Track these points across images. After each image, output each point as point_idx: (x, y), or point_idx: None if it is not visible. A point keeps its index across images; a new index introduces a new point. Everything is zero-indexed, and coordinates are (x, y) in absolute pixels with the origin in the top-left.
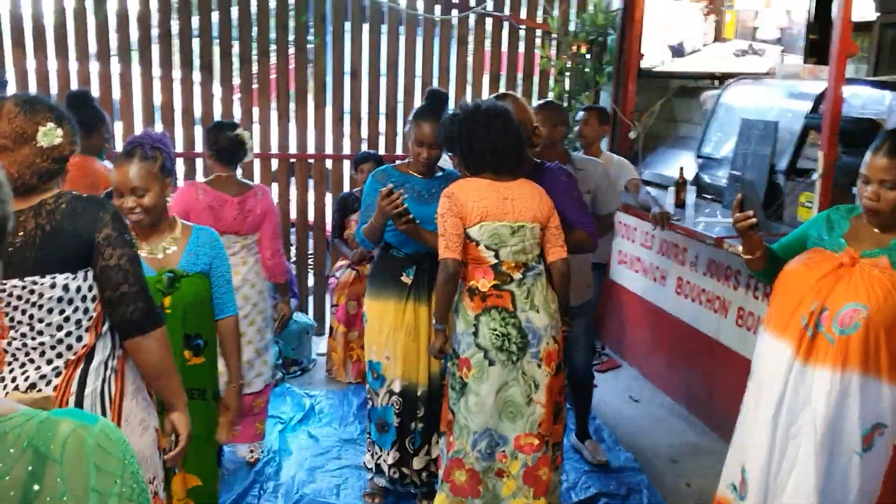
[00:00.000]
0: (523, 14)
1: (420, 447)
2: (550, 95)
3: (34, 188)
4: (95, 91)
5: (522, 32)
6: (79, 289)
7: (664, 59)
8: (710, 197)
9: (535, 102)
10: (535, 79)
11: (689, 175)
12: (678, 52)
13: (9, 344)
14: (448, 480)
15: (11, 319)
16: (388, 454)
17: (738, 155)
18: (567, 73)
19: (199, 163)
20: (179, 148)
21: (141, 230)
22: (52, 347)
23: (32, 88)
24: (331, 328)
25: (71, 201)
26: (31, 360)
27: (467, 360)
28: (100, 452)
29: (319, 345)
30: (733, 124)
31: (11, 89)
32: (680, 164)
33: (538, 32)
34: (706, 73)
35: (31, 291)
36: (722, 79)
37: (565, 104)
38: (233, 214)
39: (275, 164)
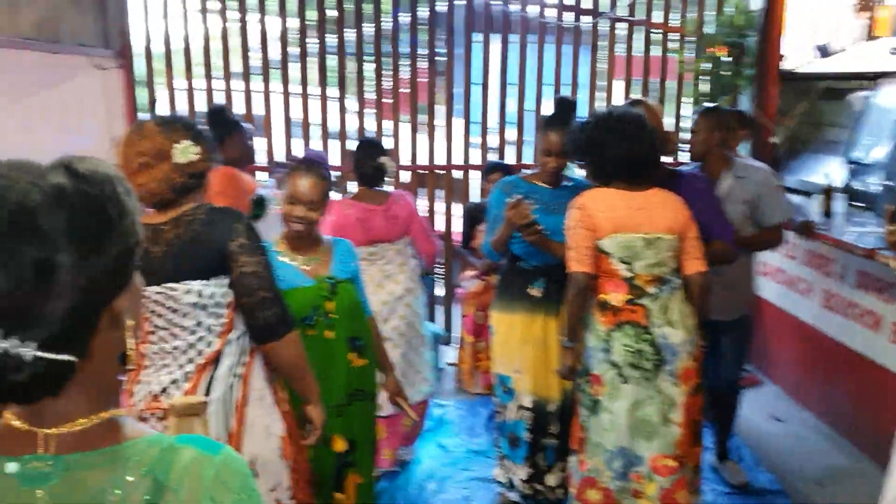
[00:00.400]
0: (657, 18)
1: (554, 463)
2: (687, 100)
3: (172, 202)
4: (240, 108)
5: (657, 36)
6: (212, 295)
7: (809, 60)
8: (860, 205)
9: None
10: (672, 83)
11: (837, 182)
12: (824, 52)
13: (147, 348)
14: (581, 499)
15: (151, 324)
16: (520, 469)
17: (892, 160)
18: (705, 77)
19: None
20: None
21: (294, 242)
22: (184, 352)
23: (180, 107)
24: (459, 338)
25: (207, 212)
26: (166, 365)
27: (599, 377)
28: (217, 484)
29: (448, 354)
30: (887, 127)
31: (161, 109)
32: (826, 170)
33: (673, 36)
34: (856, 73)
35: (169, 297)
36: (874, 79)
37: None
38: (380, 223)
39: (405, 175)
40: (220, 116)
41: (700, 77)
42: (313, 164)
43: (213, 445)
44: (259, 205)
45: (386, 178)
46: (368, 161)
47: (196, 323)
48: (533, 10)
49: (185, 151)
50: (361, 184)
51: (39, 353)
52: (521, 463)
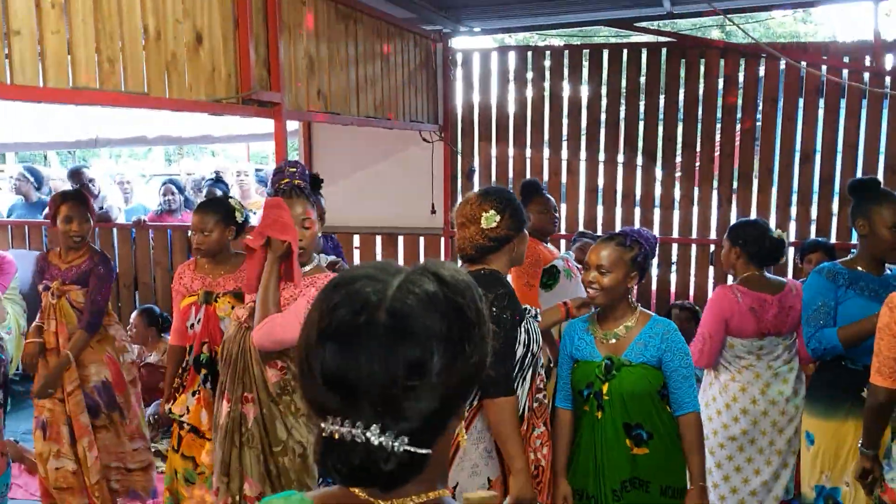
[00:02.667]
0: None
1: None
2: None
3: (475, 258)
4: (545, 176)
5: None
6: None
7: None
8: None
9: None
10: None
11: None
12: None
13: None
14: None
15: None
16: None
17: None
18: None
19: None
20: (619, 229)
21: (600, 314)
22: None
23: (493, 176)
24: None
25: (475, 274)
26: None
27: (893, 491)
28: None
29: None
30: None
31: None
32: None
33: None
34: None
35: None
36: None
37: None
38: (773, 313)
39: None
40: (533, 189)
41: None
42: (615, 234)
43: None
44: (549, 274)
45: (782, 256)
46: (769, 235)
47: None
48: (866, 75)
49: (489, 219)
50: (756, 263)
51: (410, 448)
52: None
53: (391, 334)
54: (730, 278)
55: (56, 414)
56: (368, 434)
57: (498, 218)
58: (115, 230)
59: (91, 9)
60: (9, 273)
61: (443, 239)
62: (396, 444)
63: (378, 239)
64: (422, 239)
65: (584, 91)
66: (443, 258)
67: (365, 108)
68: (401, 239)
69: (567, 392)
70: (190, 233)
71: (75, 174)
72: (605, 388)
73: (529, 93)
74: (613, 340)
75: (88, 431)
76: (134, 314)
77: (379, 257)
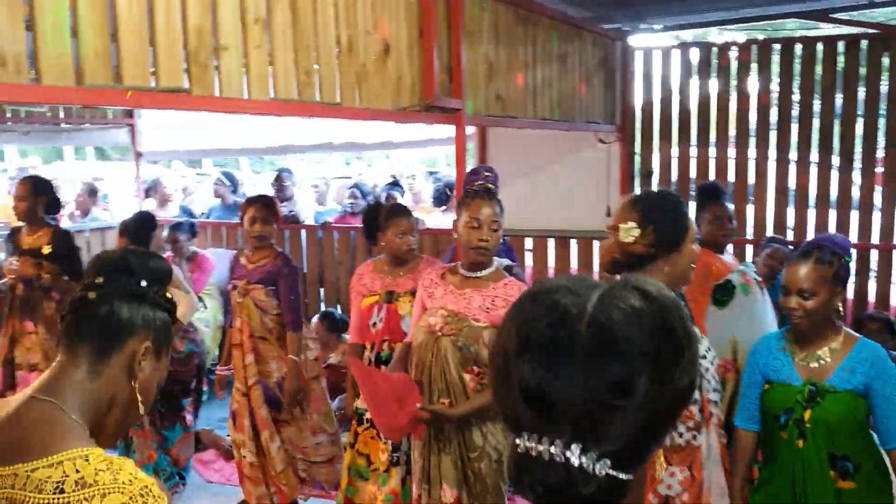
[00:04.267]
0: None
1: None
2: None
3: (609, 269)
4: (730, 176)
5: None
6: None
7: None
8: None
9: None
10: None
11: None
12: None
13: None
14: None
15: None
16: None
17: None
18: None
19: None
20: (810, 234)
21: (799, 334)
22: None
23: (675, 175)
24: None
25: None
26: None
27: None
28: None
29: None
30: None
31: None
32: None
33: None
34: None
35: None
36: None
37: None
38: None
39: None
40: (700, 191)
41: None
42: (811, 249)
43: None
44: (723, 290)
45: None
46: None
47: None
48: None
49: (627, 232)
50: None
51: (612, 472)
52: None
53: (593, 349)
54: None
55: (241, 407)
56: (568, 454)
57: (637, 232)
58: (303, 231)
59: (290, 23)
60: (206, 271)
61: None
62: (598, 466)
63: (551, 242)
64: (595, 243)
65: (774, 87)
66: None
67: (542, 110)
68: (574, 242)
69: (753, 413)
70: (398, 235)
71: (278, 178)
72: (806, 415)
73: (714, 90)
74: (815, 364)
75: (269, 424)
76: (315, 319)
77: (552, 261)
